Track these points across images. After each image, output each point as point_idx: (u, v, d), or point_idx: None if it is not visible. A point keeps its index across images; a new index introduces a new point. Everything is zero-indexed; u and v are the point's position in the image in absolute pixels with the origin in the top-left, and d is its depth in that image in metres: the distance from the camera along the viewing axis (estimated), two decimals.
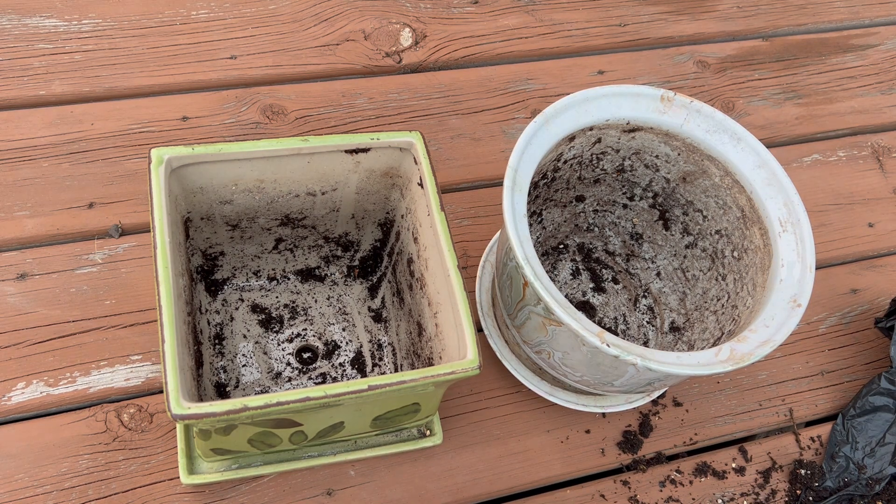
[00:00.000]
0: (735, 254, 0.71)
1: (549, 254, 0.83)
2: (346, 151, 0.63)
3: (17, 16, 0.90)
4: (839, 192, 0.97)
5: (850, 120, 1.04)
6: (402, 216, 0.68)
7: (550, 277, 0.81)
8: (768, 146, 0.70)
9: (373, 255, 0.75)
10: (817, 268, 0.89)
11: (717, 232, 0.73)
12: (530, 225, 0.78)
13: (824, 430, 0.80)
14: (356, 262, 0.75)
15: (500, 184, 0.62)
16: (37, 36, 0.89)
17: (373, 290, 0.75)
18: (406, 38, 0.99)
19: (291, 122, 0.89)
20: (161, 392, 0.72)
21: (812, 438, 0.80)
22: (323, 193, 0.66)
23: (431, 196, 0.61)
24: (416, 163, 0.63)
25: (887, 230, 0.95)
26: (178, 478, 0.66)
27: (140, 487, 0.67)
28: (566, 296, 0.80)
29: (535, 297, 0.59)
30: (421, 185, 0.62)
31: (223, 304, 0.72)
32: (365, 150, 0.63)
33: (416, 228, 0.65)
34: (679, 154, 0.71)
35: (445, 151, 0.91)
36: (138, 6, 0.94)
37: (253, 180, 0.63)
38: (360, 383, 0.53)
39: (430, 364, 0.63)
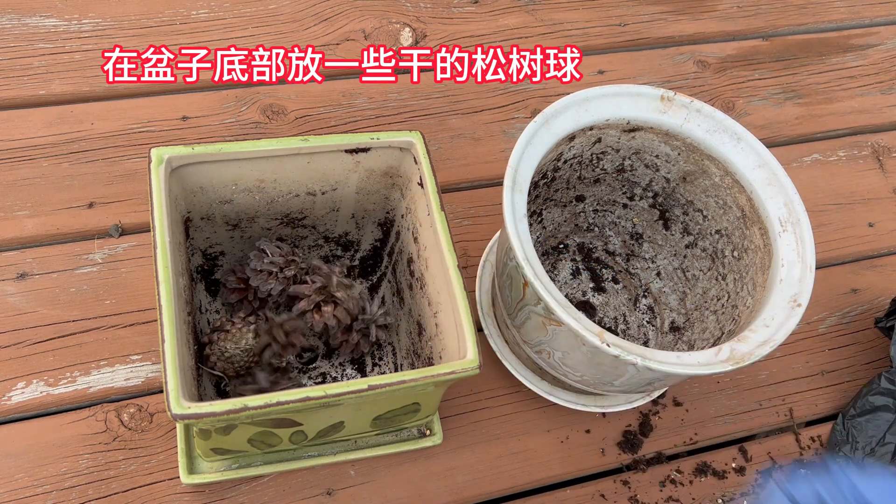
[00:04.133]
0: (735, 253, 0.71)
1: (549, 254, 0.83)
2: (346, 151, 0.63)
3: (16, 15, 0.90)
4: (839, 191, 0.97)
5: (850, 120, 1.04)
6: (402, 216, 0.68)
7: (550, 277, 0.81)
8: (768, 146, 0.70)
9: (373, 254, 0.75)
10: (817, 268, 0.89)
11: (717, 232, 0.73)
12: (530, 225, 0.78)
13: (824, 430, 0.80)
14: (356, 262, 0.75)
15: (500, 184, 0.62)
16: (36, 36, 0.89)
17: (373, 290, 0.75)
18: (406, 37, 0.99)
19: (291, 122, 0.89)
20: (161, 392, 0.72)
21: (812, 438, 0.80)
22: (323, 193, 0.66)
23: (431, 196, 0.61)
24: (416, 162, 0.63)
25: (887, 230, 0.95)
26: (178, 477, 0.66)
27: (140, 487, 0.67)
28: (566, 296, 0.80)
29: (535, 296, 0.59)
30: (421, 184, 0.63)
31: (223, 304, 0.72)
32: (365, 150, 0.63)
33: (416, 228, 0.65)
34: (679, 154, 0.71)
35: (445, 151, 0.91)
36: (138, 6, 0.94)
37: (253, 180, 0.63)
38: (359, 383, 0.53)
39: (430, 364, 0.63)
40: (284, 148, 0.61)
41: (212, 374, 0.66)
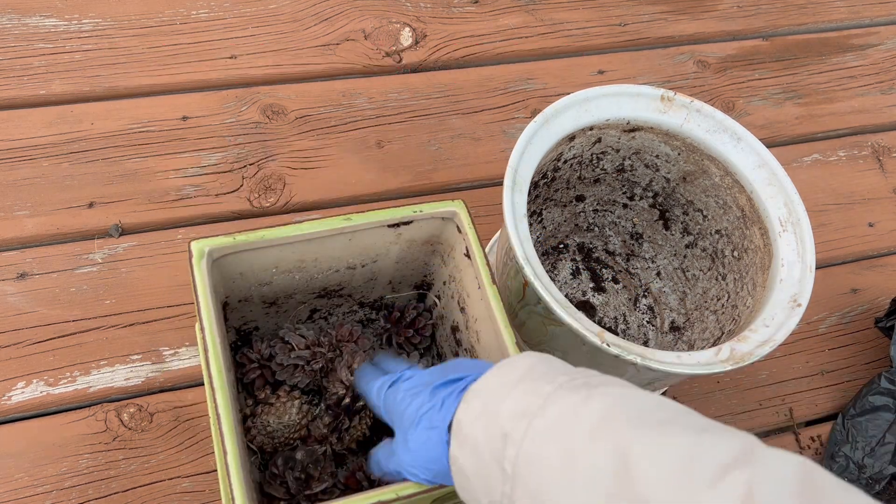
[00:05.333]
0: (735, 253, 0.71)
1: (549, 253, 0.83)
2: (389, 226, 0.61)
3: (16, 15, 0.90)
4: (839, 191, 0.97)
5: (850, 120, 1.04)
6: (445, 283, 0.66)
7: (550, 277, 0.81)
8: (768, 146, 0.70)
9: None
10: (817, 268, 0.89)
11: (717, 231, 0.73)
12: (530, 225, 0.78)
13: (824, 429, 0.80)
14: (389, 325, 0.72)
15: (500, 184, 0.62)
16: (36, 35, 0.89)
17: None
18: (406, 37, 0.99)
19: (291, 122, 0.89)
20: (161, 392, 0.72)
21: (812, 438, 0.80)
22: (363, 266, 0.65)
23: (481, 269, 0.59)
24: (459, 231, 0.61)
25: (887, 230, 0.95)
26: (178, 477, 0.66)
27: (140, 487, 0.67)
28: (566, 295, 0.80)
29: (535, 296, 0.59)
30: (468, 255, 0.61)
31: (239, 381, 0.69)
32: (407, 223, 0.61)
33: (464, 298, 0.63)
34: (679, 154, 0.71)
35: (445, 151, 0.91)
36: (138, 6, 0.94)
37: (294, 261, 0.60)
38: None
39: None
40: (327, 229, 0.58)
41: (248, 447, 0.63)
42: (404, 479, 0.51)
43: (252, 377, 0.65)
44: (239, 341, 0.67)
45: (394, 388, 0.52)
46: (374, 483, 0.62)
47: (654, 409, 0.39)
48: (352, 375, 0.64)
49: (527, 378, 0.43)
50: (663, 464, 0.35)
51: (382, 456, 0.53)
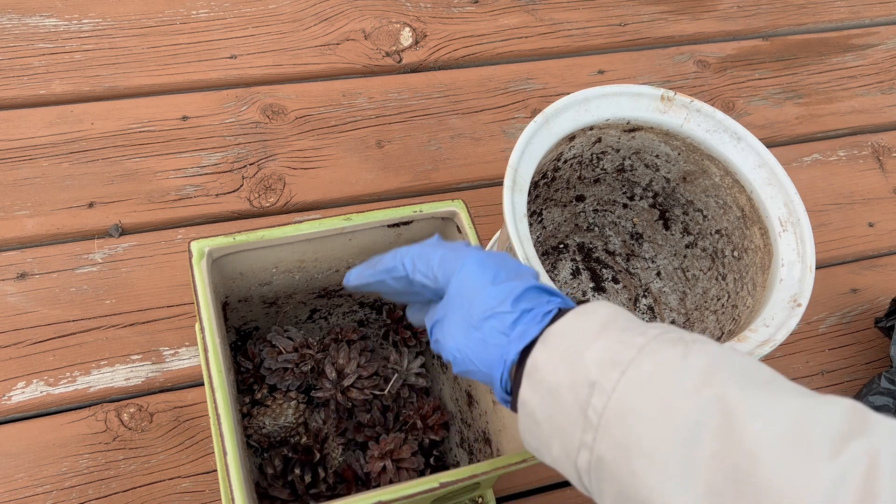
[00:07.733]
0: (735, 253, 0.71)
1: (549, 253, 0.83)
2: (389, 226, 0.61)
3: (17, 15, 0.90)
4: (839, 191, 0.97)
5: (850, 120, 1.04)
6: None
7: (550, 277, 0.81)
8: (768, 146, 0.70)
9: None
10: (817, 267, 0.89)
11: (718, 231, 0.73)
12: (530, 224, 0.78)
13: None
14: (389, 320, 0.72)
15: (500, 183, 0.62)
16: (37, 35, 0.89)
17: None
18: (406, 37, 0.99)
19: (291, 122, 0.89)
20: (161, 392, 0.72)
21: None
22: None
23: None
24: (459, 231, 0.61)
25: (887, 230, 0.95)
26: (178, 477, 0.66)
27: (140, 487, 0.67)
28: (566, 295, 0.80)
29: None
30: None
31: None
32: (407, 223, 0.61)
33: None
34: (679, 154, 0.71)
35: (445, 151, 0.91)
36: (138, 6, 0.94)
37: (294, 261, 0.61)
38: (431, 481, 0.50)
39: (487, 440, 0.62)
40: (327, 229, 0.58)
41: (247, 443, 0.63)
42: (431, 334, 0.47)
43: (249, 382, 0.66)
44: (239, 341, 0.67)
45: (466, 246, 0.48)
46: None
47: (756, 368, 0.38)
48: (338, 374, 0.65)
49: (611, 327, 0.41)
50: (774, 423, 0.34)
51: (431, 310, 0.49)
